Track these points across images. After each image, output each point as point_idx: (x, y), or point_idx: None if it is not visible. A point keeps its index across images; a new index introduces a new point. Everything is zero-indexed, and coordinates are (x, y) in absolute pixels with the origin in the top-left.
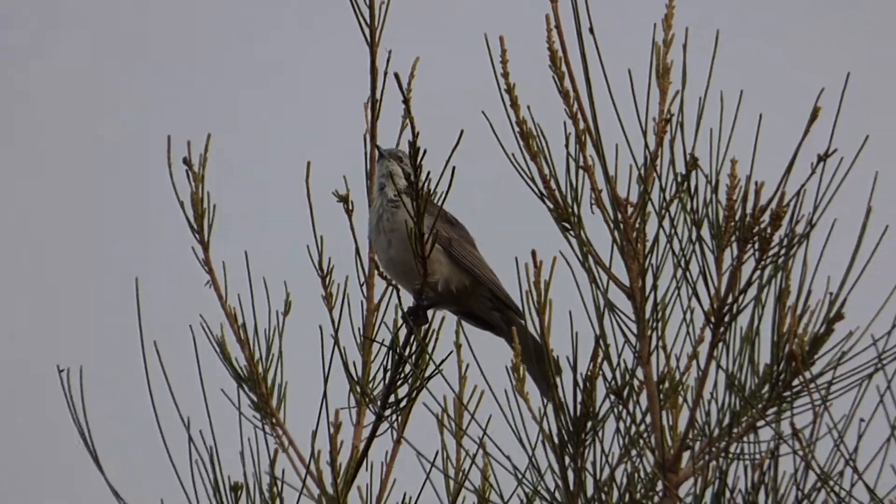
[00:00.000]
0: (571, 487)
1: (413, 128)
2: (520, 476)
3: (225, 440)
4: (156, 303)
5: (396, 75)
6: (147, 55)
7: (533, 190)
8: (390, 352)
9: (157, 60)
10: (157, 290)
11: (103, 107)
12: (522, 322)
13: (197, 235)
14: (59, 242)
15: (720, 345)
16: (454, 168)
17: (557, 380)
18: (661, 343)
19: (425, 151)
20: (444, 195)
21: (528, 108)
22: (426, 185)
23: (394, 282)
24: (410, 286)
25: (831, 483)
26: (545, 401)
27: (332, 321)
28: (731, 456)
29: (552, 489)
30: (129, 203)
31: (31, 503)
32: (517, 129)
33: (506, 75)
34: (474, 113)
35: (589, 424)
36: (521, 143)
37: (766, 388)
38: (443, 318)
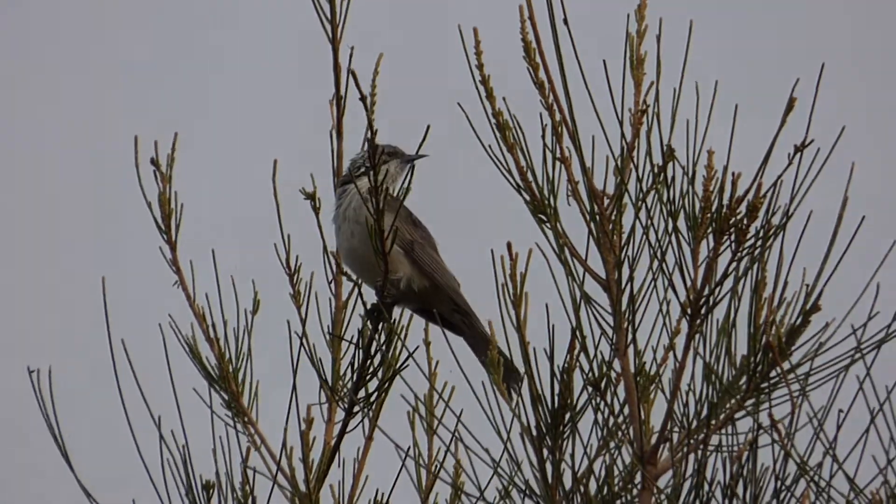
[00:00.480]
0: (550, 480)
1: (370, 126)
2: (497, 468)
3: (197, 439)
4: (124, 303)
5: (353, 73)
6: (112, 50)
7: (509, 181)
8: (358, 349)
9: (124, 55)
10: (126, 291)
11: (70, 106)
12: (485, 329)
13: (164, 235)
14: (26, 243)
15: (697, 336)
16: (413, 163)
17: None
18: (637, 335)
19: (382, 150)
20: (405, 193)
21: (504, 99)
22: (404, 187)
23: (355, 276)
24: (371, 281)
25: (811, 473)
26: (520, 394)
27: (301, 319)
28: (709, 448)
29: (529, 482)
30: (96, 203)
31: None
32: (493, 120)
33: (480, 67)
34: (450, 105)
35: (567, 416)
36: (498, 134)
37: (744, 379)
38: (411, 315)
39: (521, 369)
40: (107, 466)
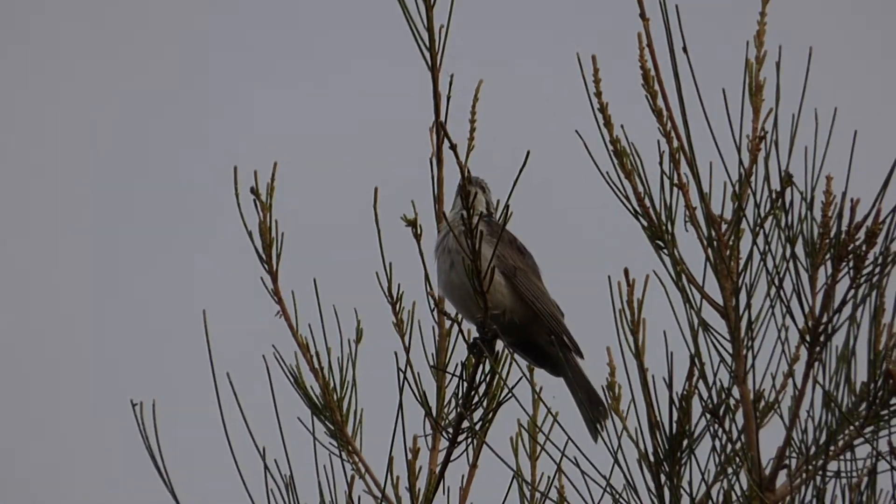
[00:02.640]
0: None
1: (462, 171)
2: (616, 495)
3: (301, 469)
4: (227, 334)
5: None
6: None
7: (627, 208)
8: (462, 381)
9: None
10: (228, 322)
11: (164, 134)
12: (580, 358)
13: (265, 265)
14: (127, 273)
15: (816, 363)
16: (509, 195)
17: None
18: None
19: (476, 192)
20: (505, 220)
21: (622, 126)
22: (503, 216)
23: (453, 307)
24: (471, 316)
25: None
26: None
27: (404, 347)
28: (828, 475)
29: None
30: (196, 233)
31: None
32: (611, 147)
33: (598, 94)
34: (567, 131)
35: (685, 443)
36: (615, 161)
37: (863, 406)
38: (511, 353)
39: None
40: (212, 498)
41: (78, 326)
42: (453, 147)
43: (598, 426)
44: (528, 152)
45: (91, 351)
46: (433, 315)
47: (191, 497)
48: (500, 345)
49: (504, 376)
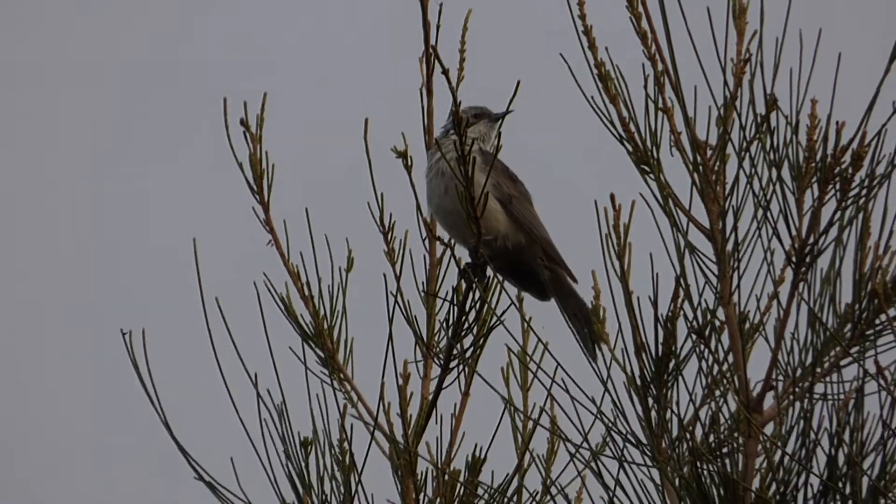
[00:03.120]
0: (655, 428)
1: (454, 98)
2: (603, 417)
3: (293, 397)
4: (218, 263)
5: (435, 51)
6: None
7: (612, 133)
8: (452, 305)
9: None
10: (220, 251)
11: (158, 65)
12: (574, 283)
13: (257, 196)
14: (116, 207)
15: (801, 285)
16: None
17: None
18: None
19: (468, 116)
20: (496, 151)
21: (606, 49)
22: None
23: (446, 230)
24: (463, 240)
25: None
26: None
27: (395, 276)
28: (815, 396)
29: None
30: (184, 164)
31: (101, 464)
32: (595, 71)
33: (583, 17)
34: (552, 55)
35: (671, 365)
36: (600, 85)
37: (848, 327)
38: (503, 278)
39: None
40: (203, 426)
41: (66, 251)
42: (445, 72)
43: (597, 345)
44: (518, 82)
45: (81, 278)
46: (424, 245)
47: (183, 426)
48: (490, 271)
49: (493, 304)
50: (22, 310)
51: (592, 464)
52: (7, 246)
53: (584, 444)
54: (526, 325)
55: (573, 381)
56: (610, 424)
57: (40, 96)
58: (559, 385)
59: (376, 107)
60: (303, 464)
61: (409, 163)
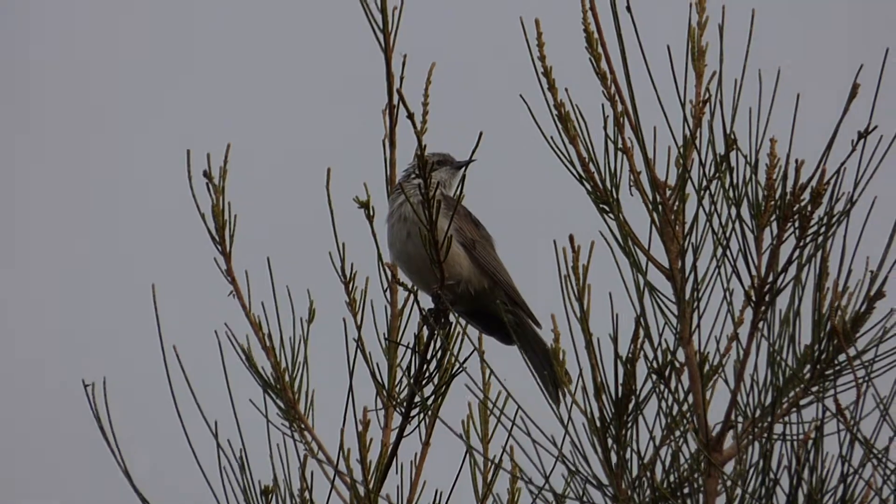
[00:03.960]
0: (615, 468)
1: (420, 141)
2: (562, 458)
3: (254, 446)
4: (179, 313)
5: (401, 94)
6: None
7: (571, 173)
8: (414, 353)
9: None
10: (181, 302)
11: (119, 114)
12: (536, 328)
13: (219, 247)
14: (77, 251)
15: (761, 324)
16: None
17: (597, 363)
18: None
19: (432, 161)
20: (459, 198)
21: (566, 90)
22: (458, 193)
23: (407, 276)
24: (425, 285)
25: (879, 457)
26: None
27: (357, 326)
28: (774, 435)
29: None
30: (150, 213)
31: None
32: (555, 112)
33: (542, 58)
34: (512, 97)
35: (631, 405)
36: (560, 126)
37: (808, 368)
38: (465, 323)
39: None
40: (165, 476)
41: (37, 303)
42: (410, 116)
43: (560, 390)
44: (481, 133)
45: (45, 331)
46: (386, 296)
47: (144, 475)
48: (452, 316)
49: (456, 351)
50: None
51: None
52: None
53: (547, 486)
54: (488, 371)
55: (534, 423)
56: (571, 466)
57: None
58: (520, 428)
59: (338, 157)
60: None
61: (371, 213)
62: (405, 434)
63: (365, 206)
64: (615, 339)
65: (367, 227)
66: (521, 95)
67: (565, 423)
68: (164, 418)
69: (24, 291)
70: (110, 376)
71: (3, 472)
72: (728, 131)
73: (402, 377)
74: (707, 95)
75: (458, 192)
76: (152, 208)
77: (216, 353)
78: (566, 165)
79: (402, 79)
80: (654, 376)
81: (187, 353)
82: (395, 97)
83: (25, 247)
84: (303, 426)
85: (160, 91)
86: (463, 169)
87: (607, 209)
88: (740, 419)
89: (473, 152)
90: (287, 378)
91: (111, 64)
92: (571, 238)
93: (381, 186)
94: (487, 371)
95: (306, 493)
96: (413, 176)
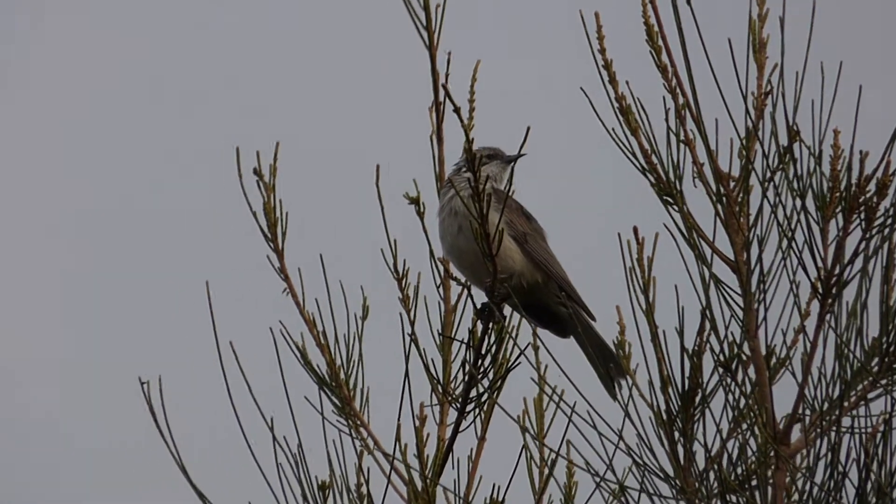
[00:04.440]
0: (682, 461)
1: (467, 135)
2: (628, 450)
3: (310, 442)
4: (234, 312)
5: (446, 88)
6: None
7: (634, 165)
8: (469, 348)
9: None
10: (236, 301)
11: (174, 116)
12: (592, 321)
13: (271, 244)
14: (134, 252)
15: (828, 316)
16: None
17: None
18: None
19: (481, 154)
20: (508, 191)
21: (627, 83)
22: (508, 187)
23: (459, 271)
24: (478, 280)
25: None
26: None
27: (410, 321)
28: (842, 429)
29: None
30: (202, 213)
31: None
32: (616, 104)
33: (603, 51)
34: (572, 91)
35: (698, 398)
36: (621, 118)
37: (875, 360)
38: (520, 318)
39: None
40: (221, 473)
41: (86, 306)
42: (457, 109)
43: (616, 383)
44: (529, 128)
45: (98, 329)
46: (439, 291)
47: (201, 474)
48: (507, 310)
49: (513, 339)
50: (44, 366)
51: (620, 498)
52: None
53: (610, 476)
54: (544, 364)
55: (598, 415)
56: (637, 459)
57: None
58: (581, 417)
59: (388, 154)
60: None
61: (422, 208)
62: (461, 430)
63: (415, 202)
64: (681, 332)
65: (419, 222)
66: (581, 88)
67: (628, 415)
68: (221, 415)
69: (78, 286)
70: (166, 374)
71: (62, 472)
72: (791, 123)
73: (457, 372)
74: (769, 87)
75: (508, 187)
76: (204, 206)
77: (271, 350)
78: (629, 157)
79: (447, 76)
80: (721, 369)
81: (242, 351)
82: (441, 94)
83: (82, 240)
84: (358, 422)
85: (206, 86)
86: (513, 164)
87: (671, 201)
88: (808, 412)
89: (522, 146)
90: (342, 375)
91: (157, 60)
92: (636, 230)
93: (430, 183)
94: (543, 364)
95: (363, 488)
96: (463, 170)
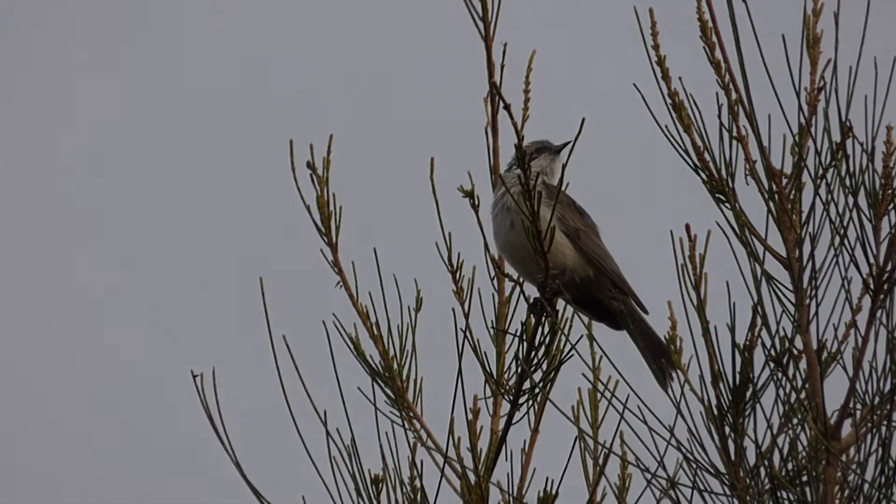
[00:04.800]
0: (732, 457)
1: (517, 133)
2: (678, 445)
3: (363, 435)
4: (288, 303)
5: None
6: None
7: (686, 162)
8: (522, 341)
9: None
10: (290, 293)
11: (223, 113)
12: (645, 314)
13: (325, 238)
14: (187, 248)
15: (880, 312)
16: (566, 151)
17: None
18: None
19: (531, 154)
20: (561, 185)
21: (680, 79)
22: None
23: (512, 266)
24: (530, 276)
25: None
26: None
27: (464, 314)
28: (893, 423)
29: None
30: (254, 205)
31: None
32: (669, 100)
33: (656, 47)
34: (625, 86)
35: (748, 393)
36: (674, 114)
37: None
38: (573, 311)
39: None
40: (274, 465)
41: (135, 295)
42: (507, 107)
43: (668, 375)
44: (584, 119)
45: (149, 320)
46: (493, 283)
47: (254, 465)
48: (559, 304)
49: (566, 333)
50: (104, 355)
51: (670, 493)
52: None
53: (661, 472)
54: (598, 356)
55: (649, 409)
56: (686, 452)
57: None
58: (633, 412)
59: (442, 146)
60: (374, 501)
61: (476, 201)
62: (514, 421)
63: (469, 195)
64: (732, 328)
65: (473, 215)
66: (634, 84)
67: (679, 412)
68: (272, 407)
69: (136, 283)
70: (219, 367)
71: (120, 468)
72: (843, 119)
73: (510, 364)
74: (822, 83)
75: (560, 180)
76: (256, 199)
77: (324, 342)
78: (681, 155)
79: (502, 67)
80: (772, 364)
81: (295, 343)
82: (497, 81)
83: (135, 239)
84: (411, 414)
85: (260, 79)
86: (563, 153)
87: (723, 198)
88: (859, 407)
89: (576, 138)
90: (395, 366)
91: (214, 56)
92: (688, 227)
93: (485, 175)
94: (598, 356)
95: (416, 482)
96: (514, 168)
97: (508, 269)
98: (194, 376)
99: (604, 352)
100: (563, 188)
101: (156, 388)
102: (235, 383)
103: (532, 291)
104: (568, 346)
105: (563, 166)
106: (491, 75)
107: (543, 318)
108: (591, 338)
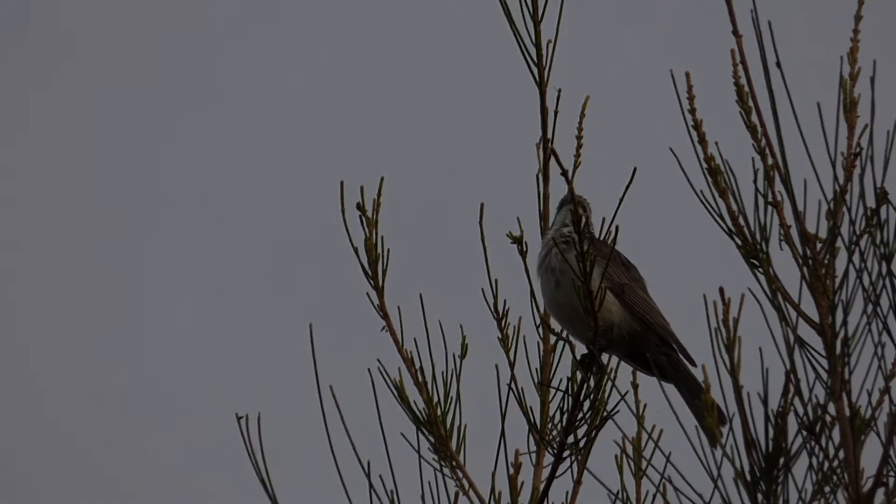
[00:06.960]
0: None
1: (572, 194)
2: None
3: (405, 483)
4: (332, 349)
5: (554, 151)
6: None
7: (721, 226)
8: (567, 395)
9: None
10: (334, 337)
11: (274, 146)
12: (692, 367)
13: (371, 281)
14: (229, 291)
15: None
16: (615, 213)
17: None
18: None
19: (587, 218)
20: (614, 240)
21: (716, 144)
22: (609, 235)
23: (560, 326)
24: (579, 334)
25: None
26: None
27: (509, 362)
28: None
29: None
30: (301, 248)
31: None
32: (705, 165)
33: (692, 111)
34: (661, 149)
35: (781, 460)
36: (710, 179)
37: None
38: (618, 362)
39: (730, 413)
40: None
41: (185, 340)
42: (564, 173)
43: (718, 432)
44: (635, 169)
45: (197, 363)
46: (538, 331)
47: None
48: (605, 358)
49: (610, 390)
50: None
51: None
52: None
53: None
54: (639, 416)
55: (681, 475)
56: None
57: None
58: (668, 481)
59: (491, 192)
60: None
61: (524, 248)
62: (557, 475)
63: (518, 241)
64: (765, 394)
65: (520, 262)
66: (670, 149)
67: (713, 480)
68: (316, 453)
69: (179, 324)
70: (264, 411)
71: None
72: (879, 185)
73: (554, 413)
74: (858, 148)
75: (608, 232)
76: (304, 240)
77: (368, 388)
78: (716, 219)
79: (556, 113)
80: (805, 432)
81: (340, 389)
82: (549, 131)
83: (183, 281)
84: (454, 463)
85: (311, 117)
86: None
87: (757, 263)
88: (892, 475)
89: (625, 191)
90: (439, 413)
91: (263, 91)
92: (721, 290)
93: (534, 221)
94: (642, 407)
95: None
96: (566, 229)
97: (554, 324)
98: (238, 419)
99: (641, 425)
100: (611, 244)
101: (198, 430)
102: (278, 427)
103: (578, 347)
104: (612, 400)
105: (613, 218)
106: (544, 121)
107: (589, 374)
108: (636, 386)
